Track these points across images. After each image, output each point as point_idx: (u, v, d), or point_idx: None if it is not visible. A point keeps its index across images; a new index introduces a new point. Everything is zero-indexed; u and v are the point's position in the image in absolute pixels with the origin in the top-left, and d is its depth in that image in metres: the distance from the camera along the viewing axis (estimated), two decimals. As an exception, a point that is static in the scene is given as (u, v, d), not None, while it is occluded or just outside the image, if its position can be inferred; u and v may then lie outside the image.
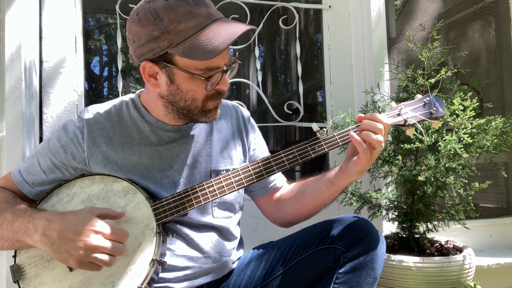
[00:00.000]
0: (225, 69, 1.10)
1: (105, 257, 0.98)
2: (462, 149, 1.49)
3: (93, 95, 6.47)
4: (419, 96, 1.25)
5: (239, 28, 1.05)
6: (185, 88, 1.10)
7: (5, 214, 1.08)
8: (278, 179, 1.38)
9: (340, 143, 1.18)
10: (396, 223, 1.68)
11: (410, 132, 1.22)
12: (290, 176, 1.46)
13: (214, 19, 1.06)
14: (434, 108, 1.22)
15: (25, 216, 1.05)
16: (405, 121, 1.20)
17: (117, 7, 1.93)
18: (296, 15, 2.19)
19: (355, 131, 1.16)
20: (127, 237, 1.04)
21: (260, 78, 2.17)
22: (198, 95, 1.11)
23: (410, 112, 1.22)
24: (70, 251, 0.97)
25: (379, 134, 1.12)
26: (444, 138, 1.54)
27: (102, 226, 1.00)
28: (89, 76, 6.09)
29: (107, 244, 0.99)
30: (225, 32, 1.03)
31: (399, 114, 1.21)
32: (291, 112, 2.47)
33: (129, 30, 1.09)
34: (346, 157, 1.21)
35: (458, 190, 1.55)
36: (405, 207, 1.62)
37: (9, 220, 1.06)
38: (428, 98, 1.23)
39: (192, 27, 1.03)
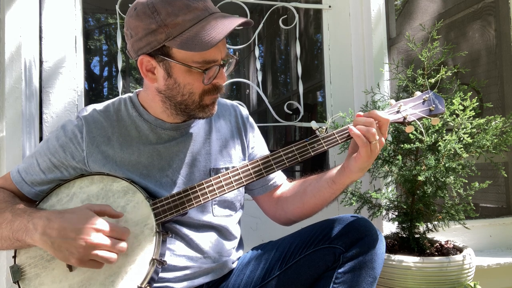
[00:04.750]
0: (222, 63, 1.11)
1: (106, 254, 0.98)
2: (462, 149, 1.49)
3: (93, 95, 6.47)
4: (418, 93, 1.25)
5: (236, 21, 1.06)
6: (182, 81, 1.10)
7: (5, 213, 1.08)
8: (277, 177, 1.38)
9: (340, 141, 1.18)
10: (396, 223, 1.68)
11: (409, 130, 1.22)
12: (290, 175, 1.46)
13: (211, 13, 1.07)
14: (434, 105, 1.22)
15: (25, 216, 1.05)
16: (405, 118, 1.20)
17: (117, 7, 1.94)
18: (296, 15, 2.19)
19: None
20: (128, 235, 1.04)
21: (260, 78, 2.17)
22: (195, 89, 1.11)
23: (410, 109, 1.21)
24: (71, 250, 0.97)
25: (370, 127, 1.12)
26: (444, 138, 1.54)
27: (102, 224, 1.00)
28: (89, 76, 6.08)
29: (108, 241, 0.99)
30: (222, 24, 1.04)
31: (398, 112, 1.21)
32: (291, 112, 2.47)
33: (127, 25, 1.10)
34: (347, 155, 1.21)
35: (458, 190, 1.55)
36: (405, 207, 1.62)
37: (9, 219, 1.06)
38: (427, 95, 1.23)
39: (189, 20, 1.04)
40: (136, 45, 1.09)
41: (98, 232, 0.98)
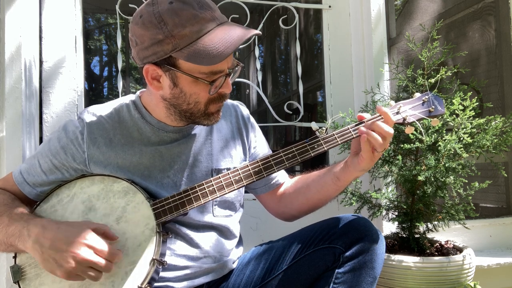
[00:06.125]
0: (228, 72, 1.10)
1: (92, 272, 0.98)
2: (462, 149, 1.49)
3: (93, 95, 6.47)
4: (418, 94, 1.25)
5: (244, 33, 1.04)
6: (188, 91, 1.09)
7: (2, 217, 1.08)
8: (280, 175, 1.38)
9: (340, 142, 1.18)
10: (396, 223, 1.68)
11: (409, 131, 1.22)
12: (290, 171, 1.46)
13: (218, 23, 1.05)
14: (433, 106, 1.22)
15: (21, 221, 1.05)
16: (404, 119, 1.20)
17: (117, 7, 1.93)
18: (296, 15, 2.19)
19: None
20: (119, 258, 1.03)
21: (260, 78, 2.17)
22: (201, 99, 1.11)
23: (409, 110, 1.22)
24: (60, 262, 0.97)
25: (383, 140, 1.11)
26: (444, 138, 1.54)
27: (96, 241, 0.99)
28: (89, 76, 6.08)
29: (97, 259, 0.98)
30: (230, 38, 1.02)
31: (398, 113, 1.21)
32: (291, 112, 2.47)
33: (132, 32, 1.08)
34: (351, 153, 1.21)
35: (458, 190, 1.55)
36: (405, 207, 1.62)
37: (5, 224, 1.06)
38: (427, 97, 1.23)
39: (197, 31, 1.02)
40: (141, 54, 1.07)
41: (89, 248, 0.98)
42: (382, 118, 1.16)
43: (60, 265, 0.97)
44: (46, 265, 0.99)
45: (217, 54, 1.00)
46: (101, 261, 0.98)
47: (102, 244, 1.00)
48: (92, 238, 0.99)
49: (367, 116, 1.17)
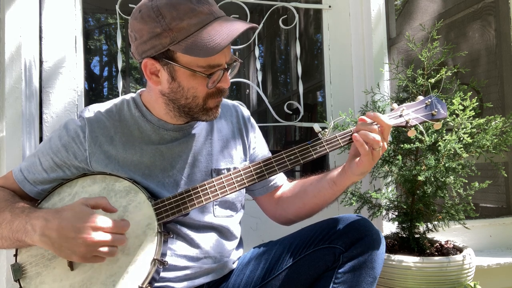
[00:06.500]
0: (226, 67, 1.11)
1: (107, 249, 0.99)
2: (462, 149, 1.49)
3: (93, 95, 6.47)
4: (420, 97, 1.26)
5: (241, 26, 1.05)
6: (186, 85, 1.10)
7: (4, 213, 1.08)
8: (278, 177, 1.38)
9: (342, 144, 1.18)
10: (396, 223, 1.68)
11: (411, 133, 1.22)
12: (290, 175, 1.46)
13: (216, 17, 1.07)
14: (436, 110, 1.22)
15: (23, 216, 1.05)
16: (407, 122, 1.21)
17: (117, 7, 1.94)
18: (296, 15, 2.20)
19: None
20: (127, 227, 1.04)
21: (260, 78, 2.17)
22: (199, 93, 1.11)
23: (412, 113, 1.22)
24: (73, 249, 0.97)
25: (373, 133, 1.12)
26: (444, 138, 1.54)
27: (101, 220, 1.00)
28: (89, 76, 6.08)
29: (108, 237, 0.99)
30: (227, 30, 1.03)
31: (400, 116, 1.22)
32: (291, 112, 2.47)
33: (132, 27, 1.10)
34: (348, 158, 1.21)
35: (458, 190, 1.55)
36: (405, 207, 1.62)
37: (8, 219, 1.06)
38: (429, 100, 1.23)
39: (194, 24, 1.03)
40: (140, 48, 1.08)
41: (97, 230, 0.98)
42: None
43: (74, 251, 0.98)
44: (61, 253, 1.00)
45: (214, 46, 1.01)
46: (112, 238, 0.99)
47: (107, 222, 1.00)
48: (96, 218, 0.99)
49: (368, 120, 1.17)
